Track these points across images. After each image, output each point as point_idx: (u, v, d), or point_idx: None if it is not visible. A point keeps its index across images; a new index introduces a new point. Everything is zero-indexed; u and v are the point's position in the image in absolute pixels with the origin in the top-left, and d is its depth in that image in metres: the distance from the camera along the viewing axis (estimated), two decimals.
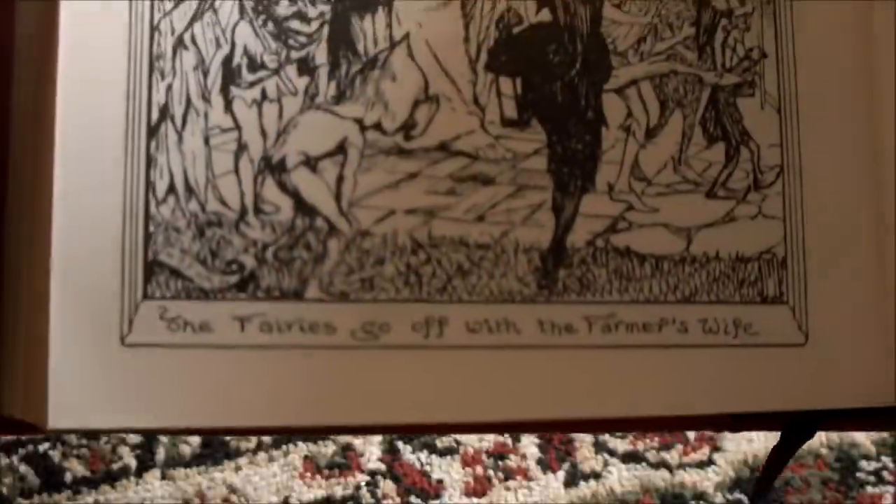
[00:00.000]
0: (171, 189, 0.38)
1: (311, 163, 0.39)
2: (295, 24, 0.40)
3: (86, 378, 0.36)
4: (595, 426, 0.45)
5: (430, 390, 0.40)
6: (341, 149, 0.40)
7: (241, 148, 0.39)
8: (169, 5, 0.38)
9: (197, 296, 0.37)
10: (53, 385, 0.35)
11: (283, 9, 0.40)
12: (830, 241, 0.45)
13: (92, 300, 0.36)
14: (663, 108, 0.44)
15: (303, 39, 0.40)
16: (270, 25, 0.40)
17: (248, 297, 0.38)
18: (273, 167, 0.39)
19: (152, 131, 0.38)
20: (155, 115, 0.38)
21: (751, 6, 0.46)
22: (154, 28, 0.38)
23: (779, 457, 0.45)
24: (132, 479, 0.73)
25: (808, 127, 0.46)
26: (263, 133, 0.39)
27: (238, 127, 0.39)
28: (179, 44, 0.38)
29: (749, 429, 0.45)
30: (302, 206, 0.39)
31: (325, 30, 0.40)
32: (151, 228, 0.37)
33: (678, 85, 0.44)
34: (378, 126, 0.40)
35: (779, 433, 0.47)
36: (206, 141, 0.38)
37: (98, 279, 0.36)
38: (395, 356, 0.39)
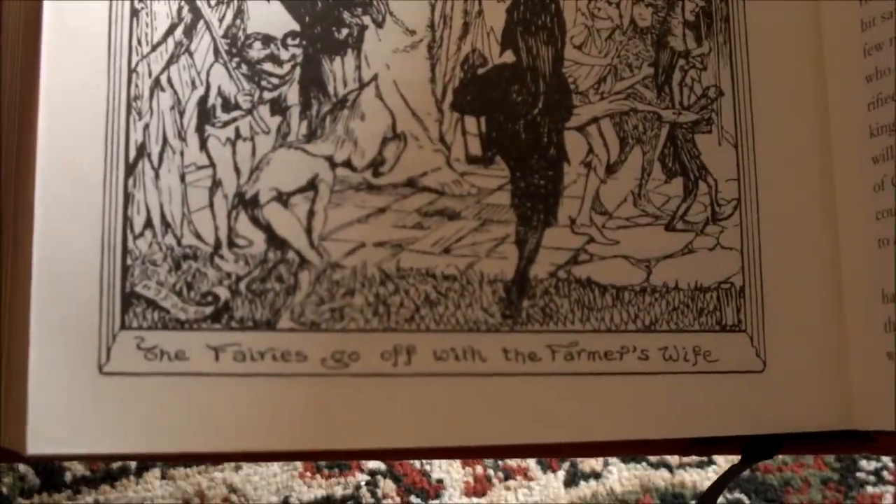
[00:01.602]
0: (149, 224, 0.39)
1: (282, 198, 0.41)
2: (268, 67, 0.41)
3: (64, 406, 0.36)
4: (558, 451, 0.46)
5: (398, 416, 0.40)
6: (312, 185, 0.41)
7: (216, 184, 0.40)
8: (146, 49, 0.40)
9: (173, 326, 0.38)
10: (33, 413, 0.36)
11: (256, 52, 0.41)
12: (786, 271, 0.46)
13: (71, 330, 0.37)
14: (623, 145, 0.45)
15: (275, 81, 0.41)
16: (244, 67, 0.41)
17: (223, 327, 0.39)
18: (246, 203, 0.40)
19: (130, 169, 0.39)
20: (132, 154, 0.39)
21: (707, 47, 0.47)
22: (132, 70, 0.39)
23: (732, 474, 0.46)
24: (132, 478, 0.72)
25: (765, 161, 0.47)
26: (237, 170, 0.40)
27: (213, 164, 0.40)
28: (156, 85, 0.40)
29: (709, 453, 0.46)
30: (274, 239, 0.40)
31: (297, 71, 0.41)
32: (129, 261, 0.38)
33: (638, 122, 0.46)
34: (348, 163, 0.42)
35: None
36: (182, 178, 0.39)
37: (77, 310, 0.37)
38: (364, 384, 0.40)
